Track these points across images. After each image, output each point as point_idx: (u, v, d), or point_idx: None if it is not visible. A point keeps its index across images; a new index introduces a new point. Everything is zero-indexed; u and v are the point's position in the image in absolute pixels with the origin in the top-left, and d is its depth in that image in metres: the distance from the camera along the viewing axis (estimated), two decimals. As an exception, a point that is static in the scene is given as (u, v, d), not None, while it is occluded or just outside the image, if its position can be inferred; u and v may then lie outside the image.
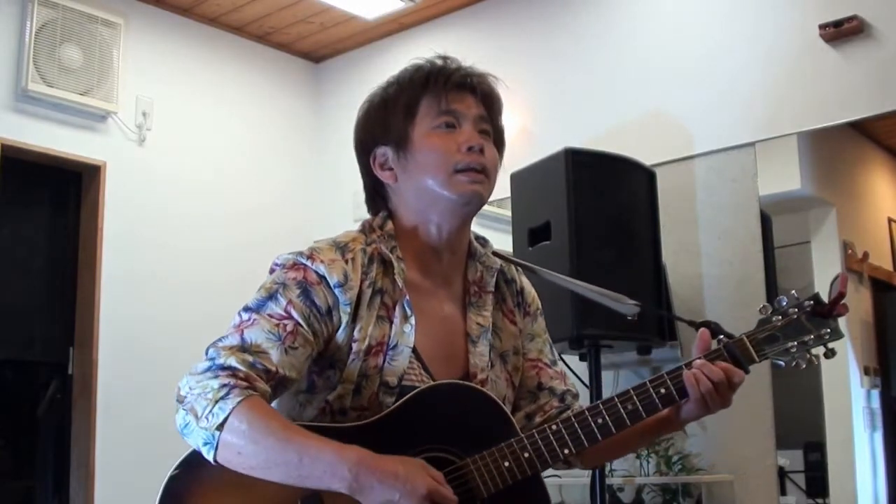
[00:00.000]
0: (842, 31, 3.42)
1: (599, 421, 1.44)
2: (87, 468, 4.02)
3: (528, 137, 4.29)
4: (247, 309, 1.45)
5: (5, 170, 3.93)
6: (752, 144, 3.64)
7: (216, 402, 1.33)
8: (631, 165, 3.39)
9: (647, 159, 3.50)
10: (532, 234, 3.28)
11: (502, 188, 3.69)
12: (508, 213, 3.62)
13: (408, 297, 1.51)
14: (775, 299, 1.51)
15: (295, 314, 1.43)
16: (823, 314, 1.49)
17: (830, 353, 1.50)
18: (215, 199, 4.66)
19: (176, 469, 1.41)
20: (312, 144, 5.16)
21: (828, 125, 3.49)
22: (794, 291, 1.52)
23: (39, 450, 4.20)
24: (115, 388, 4.12)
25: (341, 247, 1.51)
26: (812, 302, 1.50)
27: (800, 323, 1.49)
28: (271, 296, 1.45)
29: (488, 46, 4.50)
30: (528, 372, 1.66)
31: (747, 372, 1.50)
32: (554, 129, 4.17)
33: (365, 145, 1.59)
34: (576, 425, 1.44)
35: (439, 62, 1.58)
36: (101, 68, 4.22)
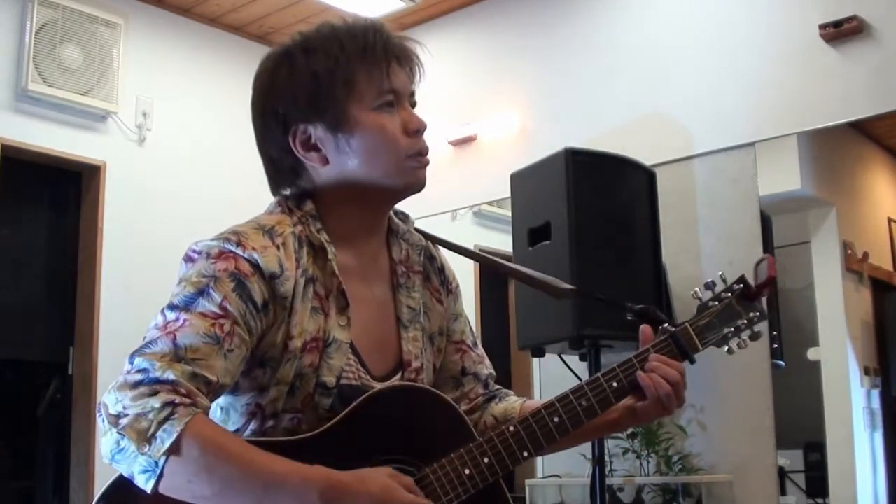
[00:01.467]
0: (842, 31, 3.42)
1: (556, 420, 1.37)
2: (87, 468, 4.02)
3: (528, 137, 4.29)
4: (172, 307, 1.26)
5: (5, 170, 3.93)
6: (752, 144, 3.64)
7: (159, 424, 1.13)
8: (631, 165, 3.39)
9: (647, 159, 3.50)
10: (532, 234, 3.28)
11: (502, 188, 3.74)
12: (508, 213, 3.63)
13: (343, 286, 1.36)
14: (707, 282, 1.50)
15: (232, 311, 1.25)
16: (750, 297, 1.49)
17: (756, 336, 1.49)
18: (215, 199, 4.66)
19: (99, 501, 1.23)
20: (312, 144, 5.16)
21: (828, 125, 3.49)
22: (721, 273, 1.52)
23: (39, 450, 4.20)
24: (115, 388, 4.12)
25: (268, 230, 1.34)
26: (741, 285, 1.49)
27: (731, 307, 1.48)
28: (201, 291, 1.25)
29: (488, 46, 4.50)
30: (452, 356, 1.55)
31: (693, 362, 1.45)
32: (554, 129, 4.17)
33: (280, 119, 1.40)
34: (533, 426, 1.36)
35: (372, 28, 1.40)
36: (101, 68, 4.22)
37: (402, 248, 1.49)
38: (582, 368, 3.30)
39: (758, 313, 1.49)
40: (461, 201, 4.32)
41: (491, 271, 4.09)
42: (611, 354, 3.41)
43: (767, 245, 3.58)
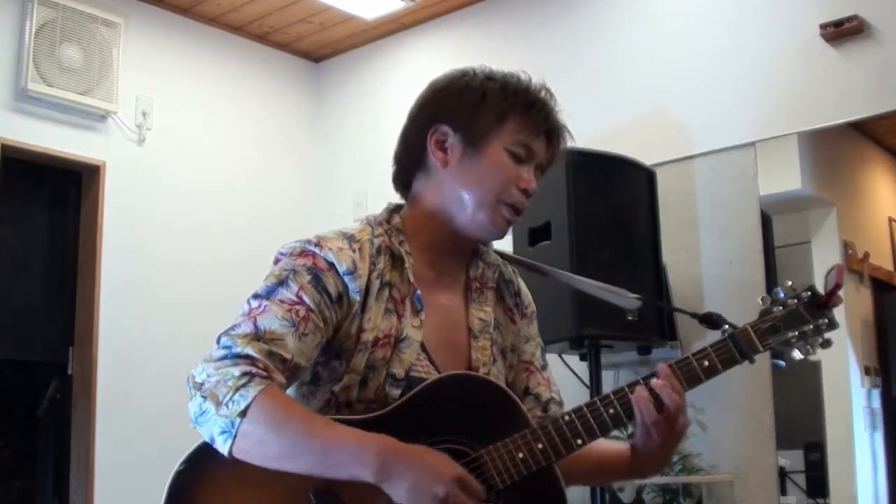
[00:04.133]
0: (842, 31, 3.42)
1: (611, 411, 1.43)
2: (87, 468, 4.02)
3: (528, 137, 4.29)
4: (256, 296, 1.42)
5: (5, 170, 3.93)
6: (752, 144, 3.64)
7: (237, 389, 1.30)
8: (631, 165, 3.39)
9: (647, 159, 3.50)
10: (532, 234, 3.28)
11: (502, 188, 3.73)
12: (508, 213, 3.61)
13: (419, 292, 1.50)
14: (773, 290, 1.53)
15: (307, 299, 1.40)
16: (820, 305, 1.52)
17: (827, 344, 1.53)
18: (215, 199, 4.66)
19: (182, 464, 1.38)
20: (312, 144, 5.16)
21: (828, 125, 3.49)
22: (790, 282, 1.54)
23: (39, 450, 4.20)
24: (115, 388, 4.12)
25: (348, 237, 1.49)
26: (810, 293, 1.52)
27: (798, 313, 1.51)
28: (282, 282, 1.42)
29: (488, 46, 4.50)
30: (520, 375, 1.65)
31: (752, 362, 1.50)
32: (554, 128, 4.16)
33: (433, 114, 1.55)
34: (588, 415, 1.43)
35: (545, 96, 1.58)
36: (101, 68, 4.22)
37: (479, 267, 1.62)
38: (582, 368, 3.30)
39: (826, 321, 1.52)
40: (461, 201, 4.32)
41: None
42: (611, 354, 3.42)
43: (767, 245, 3.58)
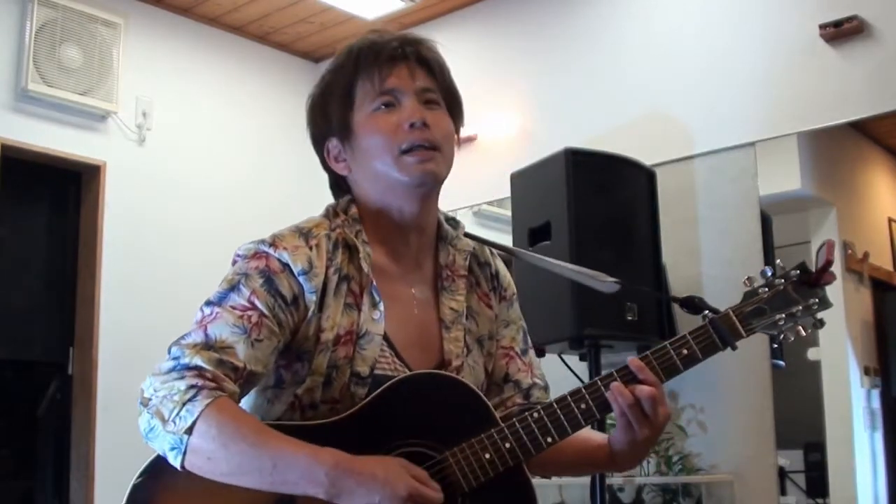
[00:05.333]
0: (842, 31, 3.42)
1: (583, 406, 1.37)
2: (87, 468, 4.02)
3: (528, 137, 4.29)
4: (209, 303, 1.38)
5: (5, 170, 3.93)
6: (752, 144, 3.64)
7: (183, 404, 1.26)
8: (631, 165, 3.39)
9: (647, 159, 3.50)
10: (532, 234, 3.28)
11: (502, 188, 3.73)
12: (508, 213, 3.62)
13: (375, 282, 1.43)
14: (760, 270, 1.44)
15: (259, 304, 1.35)
16: (811, 283, 1.42)
17: (819, 324, 1.44)
18: (215, 199, 4.66)
19: (139, 477, 1.33)
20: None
21: (828, 125, 3.49)
22: (779, 261, 1.46)
23: (39, 450, 4.20)
24: (115, 388, 4.11)
25: (304, 233, 1.43)
26: (799, 271, 1.43)
27: (787, 294, 1.42)
28: (233, 287, 1.37)
29: (488, 46, 4.50)
30: (499, 361, 1.57)
31: (734, 348, 1.41)
32: (554, 129, 4.17)
33: (316, 139, 1.53)
34: (559, 412, 1.36)
35: (369, 38, 1.48)
36: (101, 68, 4.22)
37: (448, 253, 1.55)
38: (582, 368, 3.30)
39: (817, 300, 1.43)
40: (461, 201, 4.31)
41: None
42: (611, 354, 3.42)
43: (767, 245, 3.58)
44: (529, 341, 1.63)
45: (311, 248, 1.41)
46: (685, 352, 1.39)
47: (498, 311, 1.58)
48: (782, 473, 3.53)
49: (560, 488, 3.70)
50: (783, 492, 3.53)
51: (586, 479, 3.29)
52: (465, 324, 1.51)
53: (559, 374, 3.37)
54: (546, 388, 1.59)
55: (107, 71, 4.24)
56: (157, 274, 4.40)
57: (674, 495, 3.56)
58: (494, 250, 1.63)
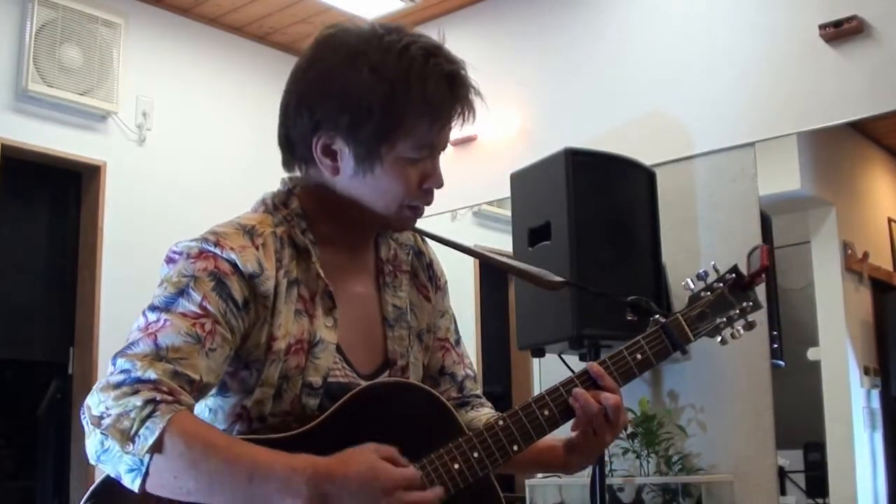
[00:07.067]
0: (842, 31, 3.42)
1: (546, 413, 1.36)
2: (87, 468, 4.01)
3: (528, 137, 4.29)
4: (153, 308, 1.27)
5: (5, 170, 3.93)
6: (752, 144, 3.64)
7: (142, 421, 1.13)
8: (631, 165, 3.39)
9: (647, 159, 3.51)
10: (532, 234, 3.28)
11: (502, 188, 3.73)
12: (508, 213, 3.62)
13: (330, 289, 1.35)
14: (699, 272, 1.50)
15: (212, 310, 1.24)
16: (743, 287, 1.49)
17: (750, 326, 1.49)
18: (215, 199, 4.65)
19: (87, 500, 1.22)
20: (312, 144, 5.16)
21: (828, 125, 3.49)
22: (713, 262, 1.52)
23: (39, 450, 4.19)
24: (115, 388, 4.11)
25: (249, 230, 1.33)
26: (733, 275, 1.49)
27: (724, 297, 1.48)
28: (182, 291, 1.27)
29: (488, 46, 4.50)
30: (435, 353, 1.53)
31: (684, 353, 1.44)
32: (554, 129, 4.17)
33: (314, 119, 1.35)
34: (524, 419, 1.34)
35: (449, 73, 1.34)
36: (101, 68, 4.22)
37: (390, 248, 1.48)
38: (582, 368, 3.30)
39: (751, 303, 1.49)
40: (461, 201, 4.32)
41: (492, 271, 4.08)
42: (611, 354, 3.42)
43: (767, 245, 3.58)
44: (459, 331, 1.61)
45: (257, 248, 1.31)
46: (639, 356, 1.43)
47: (435, 301, 1.54)
48: (782, 473, 3.53)
49: (560, 488, 3.70)
50: (783, 492, 3.53)
51: (586, 479, 3.30)
52: (409, 320, 1.46)
53: (559, 374, 3.37)
54: (475, 379, 1.59)
55: (107, 71, 4.24)
56: (157, 274, 4.39)
57: (674, 495, 3.56)
58: (426, 238, 1.56)
